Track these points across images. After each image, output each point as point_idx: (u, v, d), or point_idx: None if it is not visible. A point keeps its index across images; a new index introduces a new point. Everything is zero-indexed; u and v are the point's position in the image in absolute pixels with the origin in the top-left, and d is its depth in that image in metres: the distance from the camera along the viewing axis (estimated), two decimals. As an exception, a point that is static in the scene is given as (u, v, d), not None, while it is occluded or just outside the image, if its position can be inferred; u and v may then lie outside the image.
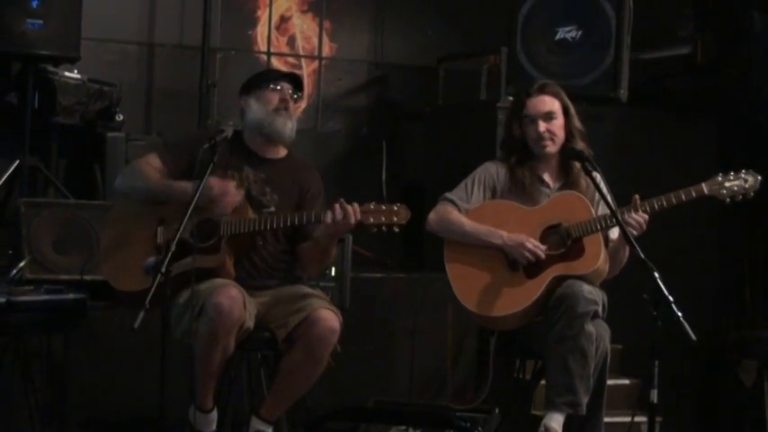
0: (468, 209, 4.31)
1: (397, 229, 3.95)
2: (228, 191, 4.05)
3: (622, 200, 4.19)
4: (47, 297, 4.28)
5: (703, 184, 4.15)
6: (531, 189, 4.31)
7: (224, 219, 4.02)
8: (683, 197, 4.13)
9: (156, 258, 3.92)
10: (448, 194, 4.36)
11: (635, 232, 4.01)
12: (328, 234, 4.02)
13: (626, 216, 4.02)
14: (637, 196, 4.10)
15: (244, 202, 4.09)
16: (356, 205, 3.93)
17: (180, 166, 4.11)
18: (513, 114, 4.38)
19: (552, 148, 4.29)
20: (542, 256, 4.14)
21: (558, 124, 4.30)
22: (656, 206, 4.12)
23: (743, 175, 4.16)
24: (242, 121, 4.27)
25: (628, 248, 4.02)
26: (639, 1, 5.50)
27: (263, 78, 4.28)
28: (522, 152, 4.34)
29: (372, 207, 3.95)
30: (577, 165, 4.22)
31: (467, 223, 4.28)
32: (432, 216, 4.34)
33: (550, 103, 4.31)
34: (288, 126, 4.20)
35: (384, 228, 3.94)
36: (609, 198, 4.06)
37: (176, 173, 4.13)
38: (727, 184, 4.14)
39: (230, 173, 4.13)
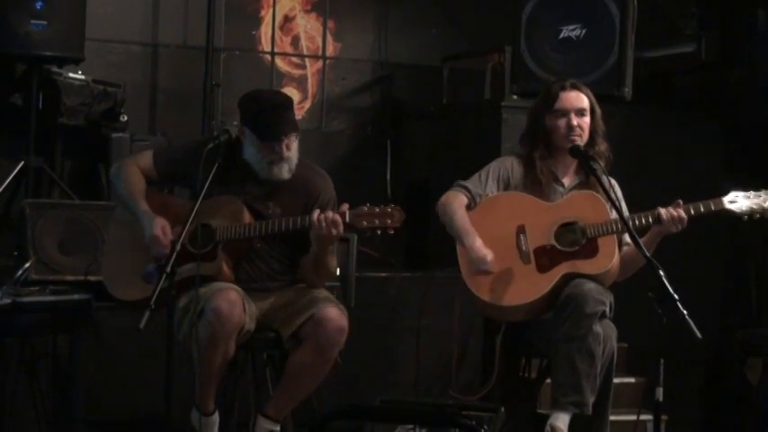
0: (482, 195, 4.30)
1: (391, 232, 3.86)
2: (162, 239, 3.93)
3: (625, 198, 4.19)
4: (52, 298, 4.29)
5: (723, 199, 4.12)
6: (545, 187, 4.29)
7: (219, 224, 3.98)
8: (702, 209, 4.11)
9: (154, 266, 3.88)
10: (462, 181, 4.35)
11: (673, 228, 4.03)
12: (316, 238, 3.92)
13: (663, 213, 4.04)
14: (680, 201, 4.09)
15: (240, 206, 4.03)
16: (339, 213, 3.83)
17: (170, 173, 4.13)
18: (545, 107, 4.33)
19: (580, 143, 4.26)
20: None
21: (587, 122, 4.30)
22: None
23: (763, 195, 4.12)
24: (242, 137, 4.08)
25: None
26: (643, -1, 5.50)
27: (262, 129, 3.97)
28: (544, 147, 4.32)
29: (366, 210, 3.85)
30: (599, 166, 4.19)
31: (458, 216, 4.24)
32: (441, 198, 4.32)
33: (583, 100, 4.31)
34: (284, 169, 4.01)
35: (378, 231, 3.85)
36: (616, 200, 4.05)
37: (165, 178, 4.17)
38: (746, 202, 4.11)
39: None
